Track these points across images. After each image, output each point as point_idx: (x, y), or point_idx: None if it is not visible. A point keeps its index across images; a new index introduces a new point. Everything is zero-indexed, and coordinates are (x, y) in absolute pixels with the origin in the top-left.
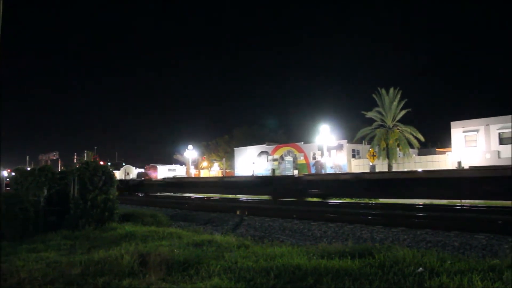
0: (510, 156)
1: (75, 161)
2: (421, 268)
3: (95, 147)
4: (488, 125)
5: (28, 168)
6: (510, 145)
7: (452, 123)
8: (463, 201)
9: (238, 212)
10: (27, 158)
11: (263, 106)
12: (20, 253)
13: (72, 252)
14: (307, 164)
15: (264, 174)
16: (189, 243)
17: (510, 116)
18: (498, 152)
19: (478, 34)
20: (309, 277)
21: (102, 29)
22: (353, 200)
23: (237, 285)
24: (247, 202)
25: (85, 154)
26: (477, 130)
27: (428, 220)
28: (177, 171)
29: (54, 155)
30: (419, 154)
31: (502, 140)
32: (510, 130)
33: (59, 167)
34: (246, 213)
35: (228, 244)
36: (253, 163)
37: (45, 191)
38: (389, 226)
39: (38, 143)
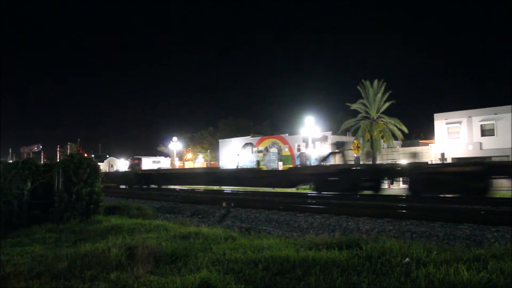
0: (492, 147)
1: (58, 153)
2: (407, 259)
3: (78, 139)
4: (470, 117)
5: (10, 161)
6: (492, 136)
7: (435, 115)
8: None
9: (224, 204)
10: (10, 151)
11: (248, 98)
12: (4, 247)
13: (57, 246)
14: (292, 156)
15: (249, 166)
16: (176, 236)
17: (492, 108)
18: (480, 144)
19: (462, 27)
20: (297, 269)
21: (86, 23)
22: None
23: (226, 277)
24: (233, 194)
25: (68, 146)
26: (459, 122)
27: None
28: (162, 163)
29: (36, 148)
30: (402, 146)
31: (484, 132)
32: (492, 122)
33: (42, 159)
34: (232, 205)
35: (215, 236)
36: (238, 154)
37: (29, 184)
38: (375, 217)
39: (19, 136)
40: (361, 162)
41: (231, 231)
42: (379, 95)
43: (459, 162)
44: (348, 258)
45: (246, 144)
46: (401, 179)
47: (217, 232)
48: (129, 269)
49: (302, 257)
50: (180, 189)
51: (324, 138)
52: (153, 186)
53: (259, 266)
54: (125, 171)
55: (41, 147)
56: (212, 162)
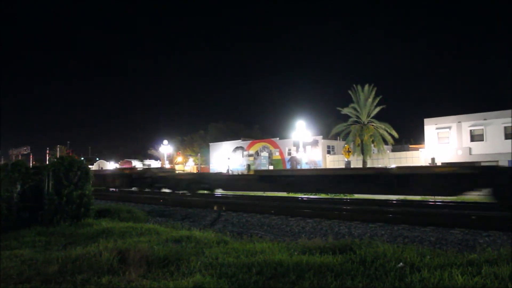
0: (481, 152)
1: (47, 156)
2: (401, 263)
3: (68, 142)
4: (460, 122)
5: None
6: (481, 142)
7: (426, 120)
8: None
9: (215, 208)
10: None
11: (239, 102)
12: None
13: (47, 249)
14: (283, 160)
15: (239, 170)
16: (168, 239)
17: (481, 113)
18: (470, 149)
19: (452, 33)
20: (291, 273)
21: (75, 26)
22: (328, 196)
23: (219, 281)
24: (224, 197)
25: (58, 149)
26: (449, 127)
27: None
28: (152, 166)
29: (25, 150)
30: (393, 151)
31: (473, 137)
32: (481, 127)
33: (31, 162)
34: (223, 208)
35: (207, 240)
36: (228, 158)
37: (19, 187)
38: (366, 222)
39: (7, 138)
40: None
41: (223, 235)
42: (370, 99)
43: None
44: (342, 262)
45: (237, 148)
46: None
47: (209, 236)
48: (121, 273)
49: (296, 262)
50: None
51: (315, 142)
52: None
53: (253, 270)
54: None
55: (29, 149)
56: (202, 166)
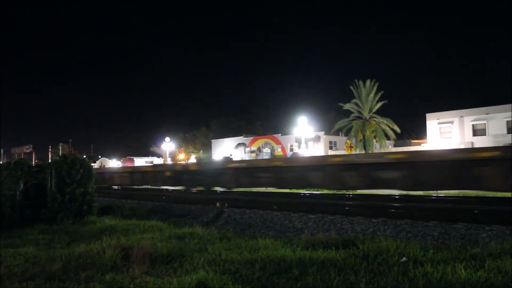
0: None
1: (50, 154)
2: (404, 258)
3: (70, 140)
4: (462, 117)
5: (0, 162)
6: (483, 136)
7: (428, 115)
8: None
9: (218, 204)
10: (1, 152)
11: (241, 98)
12: None
13: (51, 247)
14: (285, 156)
15: None
16: (171, 236)
17: (483, 108)
18: (472, 143)
19: (454, 28)
20: (294, 269)
21: (78, 25)
22: (331, 192)
23: (223, 277)
24: (226, 193)
25: (60, 147)
26: (451, 122)
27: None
28: (154, 163)
29: (27, 148)
30: (395, 146)
31: (475, 132)
32: (483, 122)
33: (33, 160)
34: (226, 205)
35: (210, 236)
36: (231, 155)
37: (21, 185)
38: (369, 217)
39: (9, 136)
40: None
41: (225, 231)
42: (372, 95)
43: None
44: (345, 257)
45: (239, 144)
46: None
47: (212, 232)
48: (125, 270)
49: (299, 257)
50: (173, 189)
51: (317, 138)
52: None
53: (256, 266)
54: None
55: (32, 148)
56: None
